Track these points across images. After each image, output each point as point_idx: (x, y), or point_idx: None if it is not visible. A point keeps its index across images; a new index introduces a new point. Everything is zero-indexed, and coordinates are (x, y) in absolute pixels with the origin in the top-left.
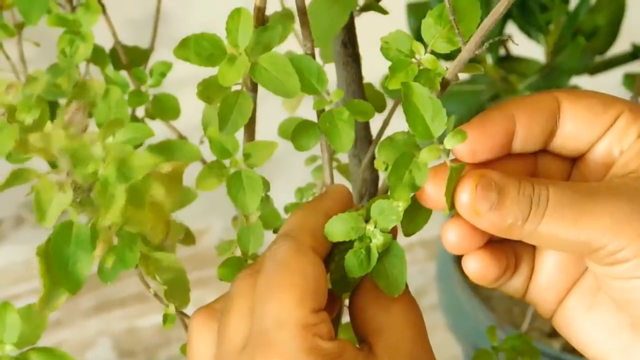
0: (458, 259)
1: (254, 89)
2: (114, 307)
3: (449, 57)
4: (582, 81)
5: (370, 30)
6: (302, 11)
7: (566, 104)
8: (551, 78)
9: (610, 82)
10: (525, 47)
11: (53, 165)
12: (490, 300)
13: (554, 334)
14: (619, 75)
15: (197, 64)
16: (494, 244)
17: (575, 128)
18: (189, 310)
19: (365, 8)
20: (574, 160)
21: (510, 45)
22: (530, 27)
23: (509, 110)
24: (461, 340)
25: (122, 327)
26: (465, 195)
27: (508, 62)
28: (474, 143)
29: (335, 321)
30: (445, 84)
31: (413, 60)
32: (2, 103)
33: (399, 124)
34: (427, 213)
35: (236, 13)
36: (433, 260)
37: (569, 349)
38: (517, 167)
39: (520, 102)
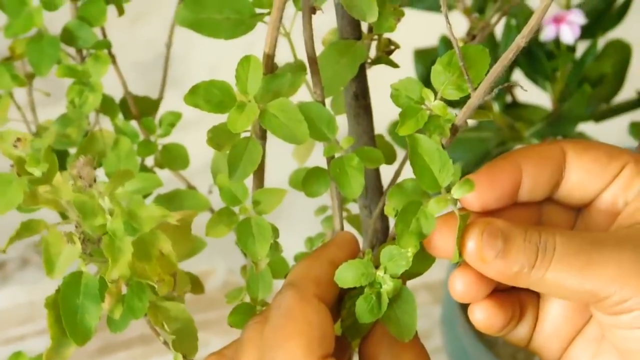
0: (463, 303)
1: (262, 135)
2: (119, 350)
3: (454, 104)
4: (588, 128)
5: (378, 79)
6: (313, 59)
7: (572, 154)
8: (557, 125)
9: (616, 129)
10: (532, 94)
11: (63, 216)
12: (495, 346)
13: None
14: (624, 122)
15: (207, 110)
16: (499, 293)
17: (580, 179)
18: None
19: (376, 61)
20: (579, 210)
21: (516, 92)
22: (536, 75)
23: (516, 160)
24: None
25: None
26: (471, 243)
27: (514, 109)
28: (482, 192)
29: None
30: (454, 130)
31: (423, 106)
32: (11, 156)
33: (410, 174)
34: (431, 259)
35: (245, 60)
36: (437, 304)
37: None
38: (523, 215)
39: (527, 152)
